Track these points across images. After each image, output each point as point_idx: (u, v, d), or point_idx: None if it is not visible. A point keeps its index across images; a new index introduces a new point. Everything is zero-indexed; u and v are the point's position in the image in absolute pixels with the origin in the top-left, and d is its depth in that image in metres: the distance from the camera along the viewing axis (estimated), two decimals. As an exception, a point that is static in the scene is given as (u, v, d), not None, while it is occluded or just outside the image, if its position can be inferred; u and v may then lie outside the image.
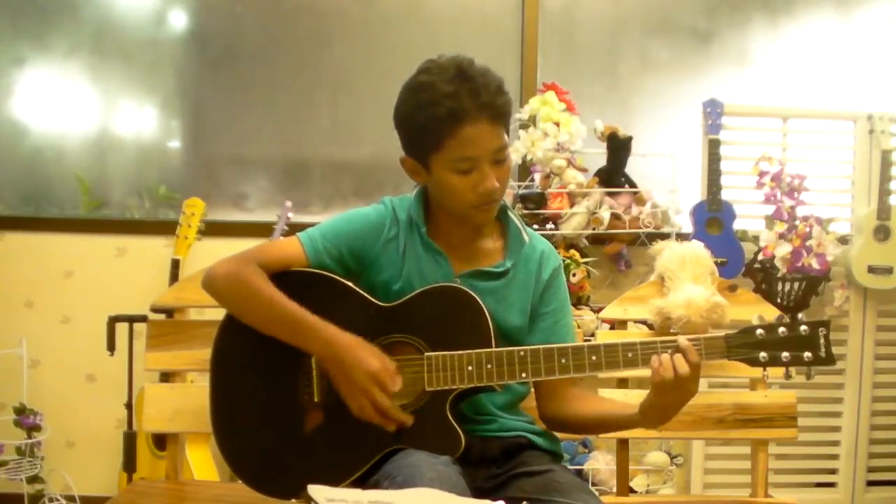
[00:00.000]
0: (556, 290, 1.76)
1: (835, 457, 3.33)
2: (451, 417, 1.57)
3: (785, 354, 1.54)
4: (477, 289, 1.63)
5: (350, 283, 1.66)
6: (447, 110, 1.54)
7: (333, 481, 1.45)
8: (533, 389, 1.79)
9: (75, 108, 3.50)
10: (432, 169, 1.62)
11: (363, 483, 1.55)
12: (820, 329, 1.54)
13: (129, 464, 2.93)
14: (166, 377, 2.11)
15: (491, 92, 1.56)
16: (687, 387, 1.52)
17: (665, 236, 3.07)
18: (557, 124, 3.11)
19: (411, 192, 1.75)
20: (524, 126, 3.19)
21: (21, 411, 3.14)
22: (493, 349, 1.58)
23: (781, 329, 1.54)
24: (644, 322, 2.24)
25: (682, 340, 1.53)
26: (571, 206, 3.11)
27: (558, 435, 1.82)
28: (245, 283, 1.64)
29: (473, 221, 1.67)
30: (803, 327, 1.54)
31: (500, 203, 1.69)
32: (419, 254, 1.69)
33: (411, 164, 1.66)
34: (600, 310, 2.34)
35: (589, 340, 1.68)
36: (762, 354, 1.54)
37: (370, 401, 1.55)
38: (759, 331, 1.55)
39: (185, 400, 2.01)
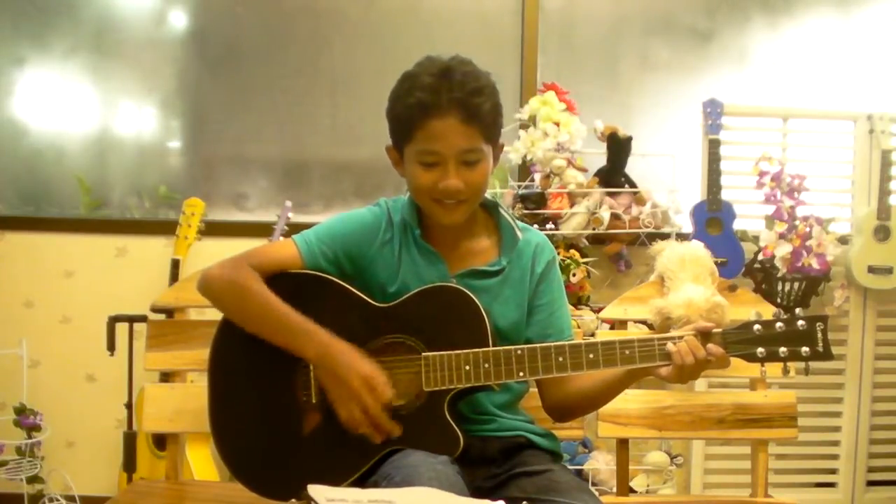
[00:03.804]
0: (550, 283, 1.75)
1: (835, 457, 3.33)
2: (448, 417, 1.57)
3: (783, 350, 1.54)
4: (473, 287, 1.63)
5: (346, 285, 1.66)
6: (416, 101, 1.57)
7: (332, 482, 1.44)
8: (535, 386, 1.79)
9: (75, 108, 3.50)
10: (405, 160, 1.65)
11: (362, 484, 1.55)
12: (817, 324, 1.53)
13: (129, 464, 2.93)
14: (166, 377, 2.11)
15: (466, 91, 1.57)
16: (698, 372, 1.55)
17: (665, 236, 3.07)
18: (557, 124, 3.11)
19: (405, 194, 1.75)
20: (524, 126, 3.19)
21: (21, 411, 3.15)
22: (491, 349, 1.58)
23: (779, 324, 1.54)
24: (644, 322, 2.24)
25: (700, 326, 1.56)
26: (571, 206, 3.11)
27: (559, 434, 1.82)
28: (239, 286, 1.64)
29: (438, 220, 1.66)
30: (801, 322, 1.53)
31: (475, 205, 1.68)
32: (414, 256, 1.69)
33: (393, 154, 1.70)
34: (600, 310, 2.34)
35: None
36: (759, 350, 1.54)
37: (361, 406, 1.55)
38: (757, 326, 1.54)
39: (185, 400, 2.01)
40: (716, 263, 2.17)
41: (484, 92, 1.60)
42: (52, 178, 3.52)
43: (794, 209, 3.17)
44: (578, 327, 2.85)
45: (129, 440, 2.94)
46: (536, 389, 1.79)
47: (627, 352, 1.56)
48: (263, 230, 3.16)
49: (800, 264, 3.12)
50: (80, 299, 3.34)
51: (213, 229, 3.19)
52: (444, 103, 1.56)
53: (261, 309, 1.63)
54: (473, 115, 1.58)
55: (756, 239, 3.21)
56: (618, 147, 3.16)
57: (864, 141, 3.27)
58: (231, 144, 3.54)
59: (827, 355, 1.54)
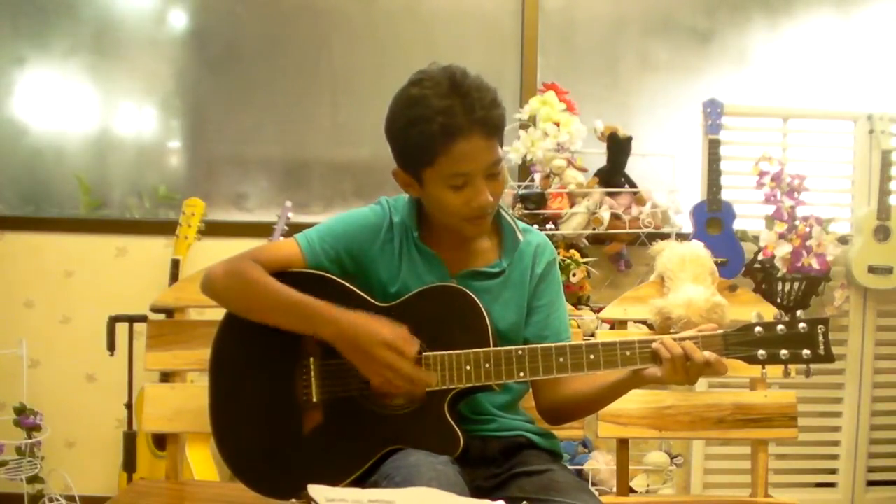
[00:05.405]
0: (549, 284, 1.75)
1: (835, 457, 3.33)
2: (449, 417, 1.57)
3: (783, 352, 1.54)
4: (473, 288, 1.63)
5: (347, 284, 1.66)
6: (440, 126, 1.51)
7: (332, 481, 1.45)
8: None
9: (75, 108, 3.50)
10: (425, 183, 1.61)
11: (362, 483, 1.56)
12: (819, 327, 1.54)
13: (129, 464, 2.93)
14: (166, 377, 2.11)
15: (485, 106, 1.53)
16: (694, 374, 1.54)
17: (665, 236, 3.07)
18: (557, 124, 3.11)
19: (405, 193, 1.74)
20: (524, 126, 3.19)
21: (21, 411, 3.15)
22: (491, 349, 1.58)
23: (780, 327, 1.54)
24: (644, 322, 2.24)
25: (688, 344, 1.53)
26: (571, 206, 3.11)
27: (559, 434, 1.82)
28: (245, 276, 1.64)
29: (466, 234, 1.66)
30: (802, 325, 1.54)
31: (494, 213, 1.68)
32: (414, 257, 1.69)
33: (404, 178, 1.65)
34: (600, 310, 2.34)
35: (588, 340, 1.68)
36: (760, 352, 1.54)
37: (391, 371, 1.54)
38: (758, 328, 1.55)
39: (185, 400, 2.01)
40: (716, 263, 2.17)
41: (497, 101, 1.57)
42: (52, 178, 3.51)
43: (794, 209, 3.17)
44: (578, 327, 2.84)
45: (129, 440, 2.94)
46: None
47: (628, 353, 1.56)
48: (263, 230, 3.17)
49: (800, 264, 3.12)
50: (80, 299, 3.34)
51: (213, 229, 3.19)
52: (468, 124, 1.52)
53: (269, 295, 1.62)
54: (495, 128, 1.56)
55: (756, 239, 3.21)
56: (618, 147, 3.16)
57: (864, 141, 3.27)
58: (231, 144, 3.54)
59: (828, 358, 1.54)
